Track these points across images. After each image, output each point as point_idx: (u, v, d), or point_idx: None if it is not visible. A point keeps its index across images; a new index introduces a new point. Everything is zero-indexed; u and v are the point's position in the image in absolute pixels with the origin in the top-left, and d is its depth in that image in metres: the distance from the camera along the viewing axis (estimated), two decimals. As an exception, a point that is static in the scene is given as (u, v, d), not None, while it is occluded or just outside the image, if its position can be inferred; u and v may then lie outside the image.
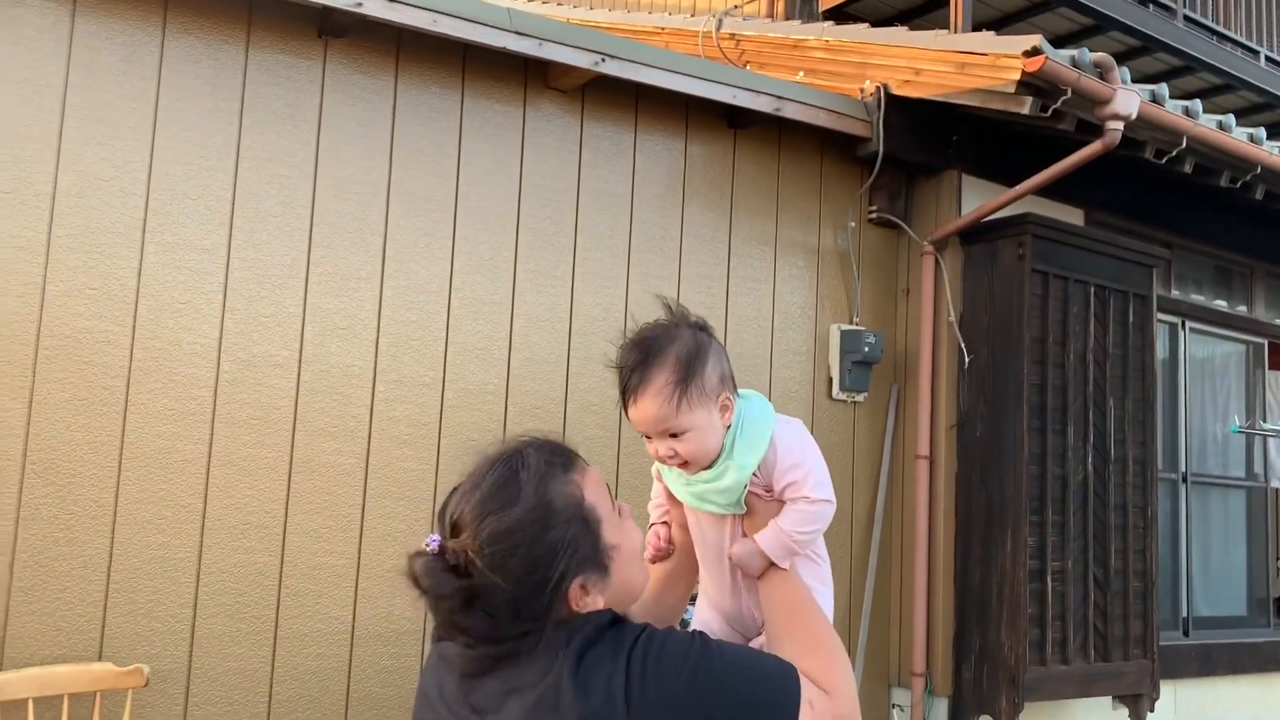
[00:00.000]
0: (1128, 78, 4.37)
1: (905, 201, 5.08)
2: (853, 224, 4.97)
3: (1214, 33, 7.07)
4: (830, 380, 4.81)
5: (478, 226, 3.97)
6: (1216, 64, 6.75)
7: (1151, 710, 4.98)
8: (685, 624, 1.70)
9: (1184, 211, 5.91)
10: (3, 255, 3.15)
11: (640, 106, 4.40)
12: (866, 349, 4.75)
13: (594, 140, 4.28)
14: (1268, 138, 5.14)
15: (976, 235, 4.93)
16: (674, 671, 1.28)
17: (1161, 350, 5.80)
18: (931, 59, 4.56)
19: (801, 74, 5.10)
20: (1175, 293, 6.00)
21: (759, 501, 1.61)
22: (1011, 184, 4.74)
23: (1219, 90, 7.09)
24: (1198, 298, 6.22)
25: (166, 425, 3.35)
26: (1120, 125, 4.31)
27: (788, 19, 6.02)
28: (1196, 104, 4.73)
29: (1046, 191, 4.92)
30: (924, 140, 4.91)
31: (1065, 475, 4.75)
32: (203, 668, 3.36)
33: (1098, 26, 6.31)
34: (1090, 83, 4.23)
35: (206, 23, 3.52)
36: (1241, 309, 6.47)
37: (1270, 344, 6.54)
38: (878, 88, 4.75)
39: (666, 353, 1.55)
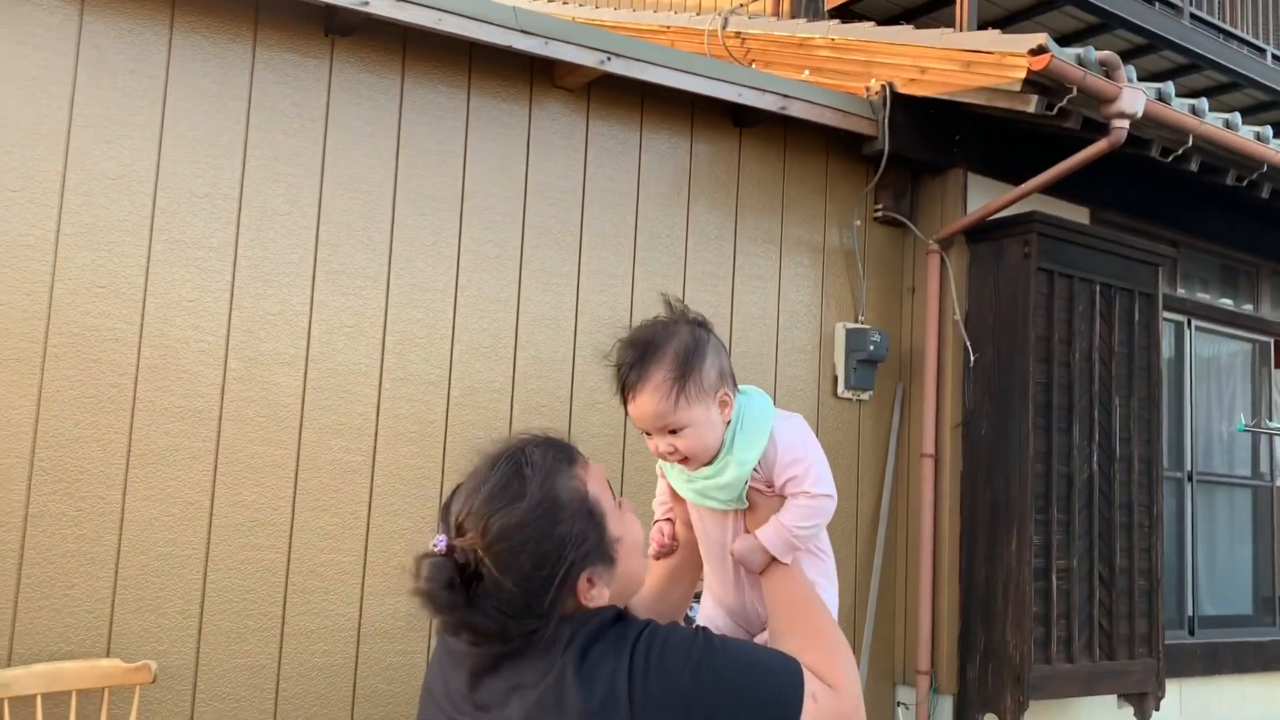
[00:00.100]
0: (1133, 76, 4.36)
1: (911, 200, 5.08)
2: (858, 222, 4.97)
3: (1220, 31, 7.06)
4: (835, 379, 4.82)
5: (484, 225, 3.98)
6: (1223, 62, 6.72)
7: (1157, 709, 4.97)
8: (690, 620, 1.70)
9: (1190, 210, 5.90)
10: (11, 253, 3.17)
11: (646, 105, 4.40)
12: (872, 347, 4.75)
13: (599, 139, 4.29)
14: (1274, 136, 5.12)
15: (982, 234, 4.92)
16: (677, 667, 1.28)
17: (1167, 349, 5.79)
18: (937, 57, 4.56)
19: (807, 72, 5.10)
20: (1181, 291, 5.99)
21: (760, 497, 1.62)
22: (1017, 182, 4.74)
23: (1225, 88, 7.06)
24: (1203, 296, 6.21)
25: (174, 423, 3.37)
26: (1126, 123, 4.30)
27: (793, 17, 6.02)
28: (1203, 102, 4.72)
29: (1052, 190, 4.92)
30: (929, 139, 4.91)
31: (1070, 474, 4.75)
32: (210, 664, 3.37)
33: (1103, 25, 6.29)
34: (1096, 81, 4.23)
35: (214, 22, 3.53)
36: (1247, 307, 6.46)
37: (1276, 342, 6.52)
38: (883, 86, 4.75)
39: (664, 349, 1.55)
